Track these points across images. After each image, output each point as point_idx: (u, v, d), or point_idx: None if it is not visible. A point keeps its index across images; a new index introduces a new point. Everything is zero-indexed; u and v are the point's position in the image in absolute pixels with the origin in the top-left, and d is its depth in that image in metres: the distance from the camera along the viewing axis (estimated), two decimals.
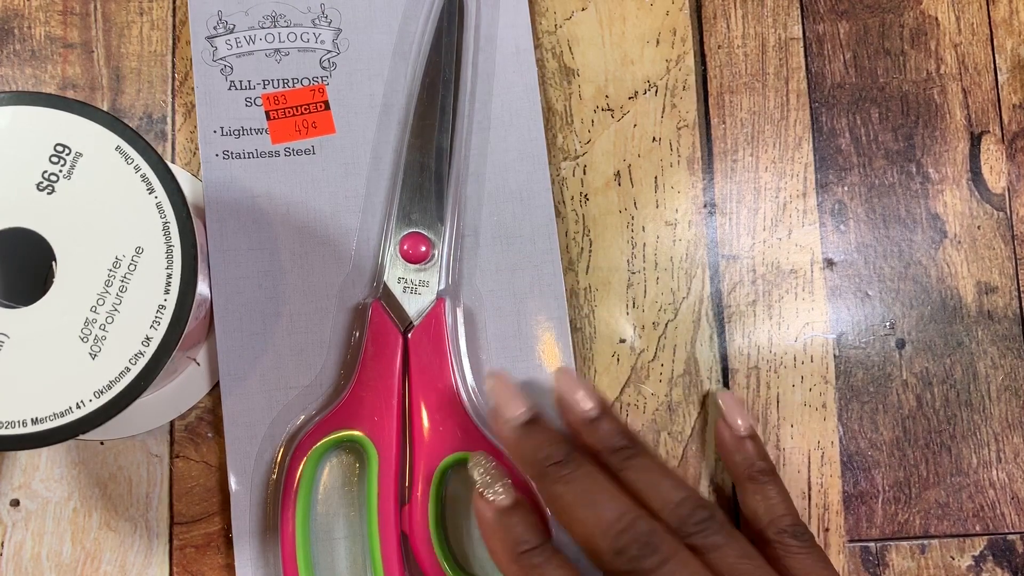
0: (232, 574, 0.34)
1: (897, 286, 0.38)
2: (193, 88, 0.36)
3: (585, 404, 0.32)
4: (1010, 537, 0.37)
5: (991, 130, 0.39)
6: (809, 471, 0.37)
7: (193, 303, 0.27)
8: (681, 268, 0.38)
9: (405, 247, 0.35)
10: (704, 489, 0.36)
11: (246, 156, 0.36)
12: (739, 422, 0.35)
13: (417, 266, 0.35)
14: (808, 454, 0.37)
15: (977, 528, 0.37)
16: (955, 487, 0.37)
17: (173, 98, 0.37)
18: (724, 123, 0.39)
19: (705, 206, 0.38)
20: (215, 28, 0.36)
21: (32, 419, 0.26)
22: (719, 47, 0.39)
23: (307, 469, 0.33)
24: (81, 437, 0.33)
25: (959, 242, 0.39)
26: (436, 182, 0.35)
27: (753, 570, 0.30)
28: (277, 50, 0.36)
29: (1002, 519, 0.37)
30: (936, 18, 0.40)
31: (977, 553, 0.37)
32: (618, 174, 0.38)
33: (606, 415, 0.32)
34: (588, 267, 0.37)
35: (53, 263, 0.27)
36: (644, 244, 0.38)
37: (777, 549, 0.32)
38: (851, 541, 0.37)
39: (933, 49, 0.40)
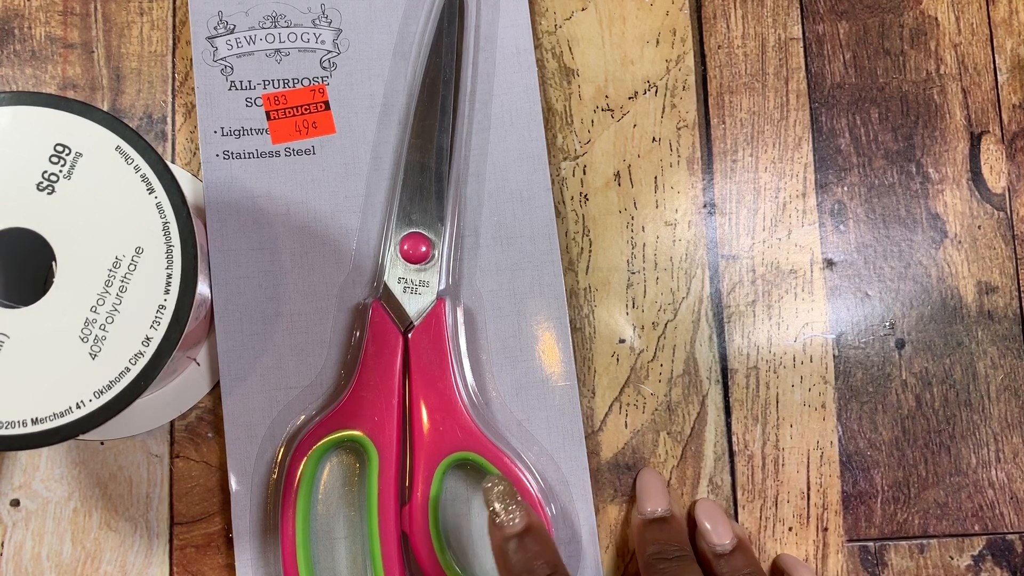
0: (232, 574, 0.34)
1: (897, 286, 0.38)
2: (193, 88, 0.36)
3: (722, 538, 0.33)
4: (1009, 537, 0.37)
5: (991, 130, 0.39)
6: (808, 471, 0.37)
7: (193, 303, 0.27)
8: (681, 268, 0.38)
9: (405, 247, 0.35)
10: (703, 490, 0.37)
11: (246, 156, 0.36)
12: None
13: (417, 266, 0.35)
14: (807, 454, 0.37)
15: (976, 528, 0.37)
16: (954, 487, 0.37)
17: (173, 98, 0.37)
18: (724, 123, 0.39)
19: (705, 206, 0.38)
20: (215, 28, 0.36)
21: (32, 419, 0.26)
22: (719, 47, 0.39)
23: (307, 469, 0.33)
24: (81, 437, 0.33)
25: (959, 242, 0.39)
26: (436, 182, 0.35)
27: None
28: (277, 50, 0.36)
29: (1001, 519, 0.37)
30: (936, 18, 0.40)
31: (976, 553, 0.37)
32: (618, 174, 0.38)
33: (741, 549, 0.33)
34: (588, 267, 0.37)
35: (53, 263, 0.27)
36: (644, 244, 0.38)
37: None
38: (850, 541, 0.37)
39: (933, 49, 0.40)
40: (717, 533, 0.34)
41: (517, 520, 0.30)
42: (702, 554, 0.34)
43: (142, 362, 0.26)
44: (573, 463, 0.35)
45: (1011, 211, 0.39)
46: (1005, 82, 0.40)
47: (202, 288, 0.32)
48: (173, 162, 0.37)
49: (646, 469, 0.35)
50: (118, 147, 0.27)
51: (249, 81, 0.36)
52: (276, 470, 0.34)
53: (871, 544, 0.37)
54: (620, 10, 0.39)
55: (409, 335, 0.34)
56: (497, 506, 0.30)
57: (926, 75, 0.40)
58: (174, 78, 0.37)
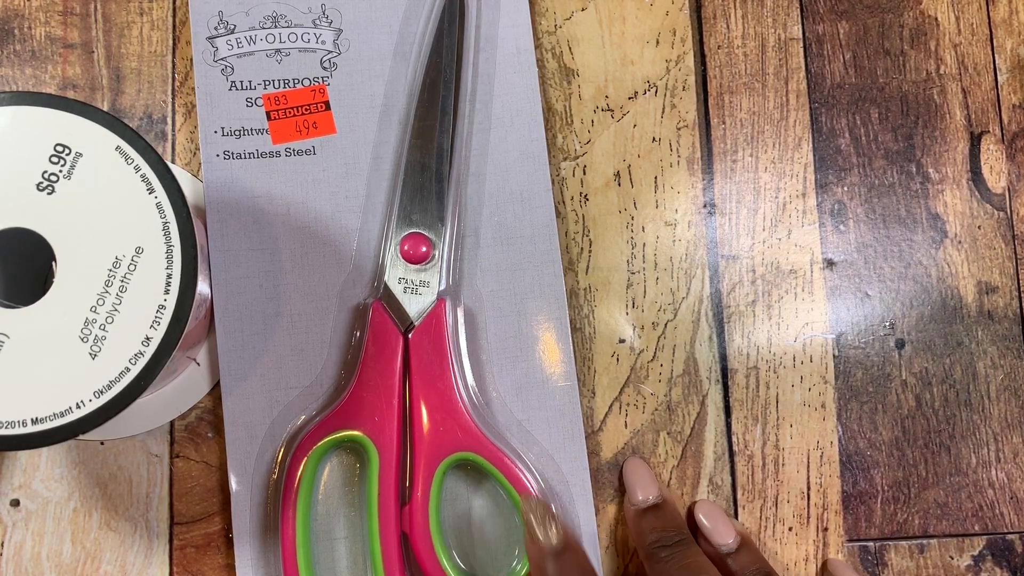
0: (232, 574, 0.34)
1: (897, 286, 0.38)
2: (193, 88, 0.36)
3: (726, 537, 0.34)
4: (1009, 537, 0.37)
5: (991, 130, 0.39)
6: (808, 471, 0.37)
7: (193, 303, 0.27)
8: (681, 268, 0.38)
9: (406, 247, 0.35)
10: (703, 490, 0.37)
11: (247, 156, 0.36)
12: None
13: (418, 266, 0.35)
14: (807, 454, 0.37)
15: (976, 528, 0.37)
16: (954, 487, 0.37)
17: (173, 98, 0.37)
18: (724, 123, 0.39)
19: (705, 206, 0.38)
20: (216, 28, 0.36)
21: (32, 419, 0.26)
22: (719, 47, 0.39)
23: (308, 469, 0.33)
24: (81, 437, 0.33)
25: (959, 242, 0.39)
26: (437, 182, 0.35)
27: None
28: (278, 50, 0.36)
29: (1001, 519, 0.37)
30: (936, 18, 0.40)
31: (976, 553, 0.37)
32: (618, 174, 0.38)
33: (745, 546, 0.34)
34: (588, 267, 0.37)
35: (53, 263, 0.27)
36: (644, 244, 0.38)
37: None
38: (850, 541, 0.37)
39: (933, 49, 0.40)
40: (720, 532, 0.34)
41: (555, 538, 0.31)
42: (707, 554, 0.34)
43: (142, 362, 0.26)
44: (573, 463, 0.35)
45: (1011, 211, 0.39)
46: (1005, 82, 0.40)
47: (202, 288, 0.32)
48: (173, 162, 0.37)
49: (632, 458, 0.36)
50: (118, 147, 0.27)
51: (249, 81, 0.36)
52: (276, 470, 0.34)
53: (871, 544, 0.37)
54: (620, 10, 0.39)
55: (409, 335, 0.34)
56: (535, 524, 0.31)
57: (926, 75, 0.40)
58: (174, 78, 0.37)
